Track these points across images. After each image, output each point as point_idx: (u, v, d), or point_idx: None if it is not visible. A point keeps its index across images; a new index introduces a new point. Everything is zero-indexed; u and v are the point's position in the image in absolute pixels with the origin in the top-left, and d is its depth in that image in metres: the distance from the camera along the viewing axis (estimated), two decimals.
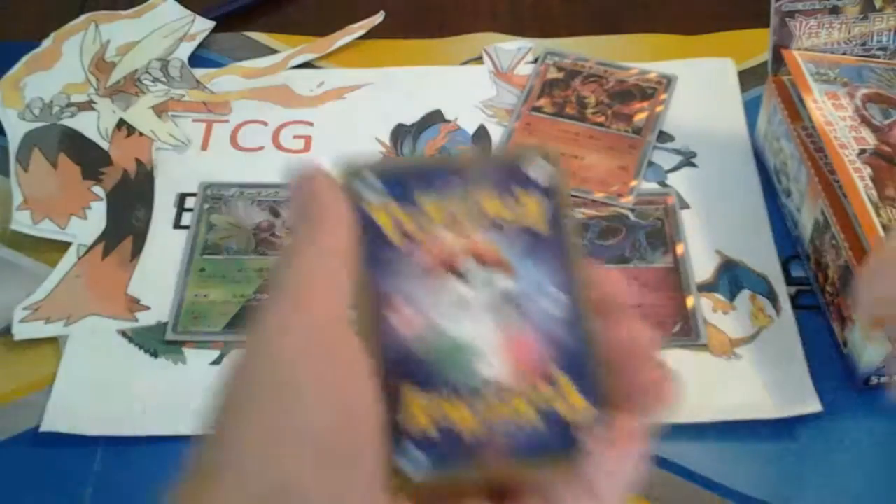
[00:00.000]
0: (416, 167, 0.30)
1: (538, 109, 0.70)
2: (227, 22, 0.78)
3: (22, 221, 0.63)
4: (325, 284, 0.27)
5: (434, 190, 0.30)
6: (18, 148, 0.68)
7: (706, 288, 0.59)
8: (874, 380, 0.53)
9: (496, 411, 0.28)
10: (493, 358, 0.29)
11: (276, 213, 0.64)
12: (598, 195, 0.64)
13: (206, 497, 0.24)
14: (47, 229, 0.63)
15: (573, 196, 0.64)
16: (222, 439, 0.25)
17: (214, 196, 0.65)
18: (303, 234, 0.28)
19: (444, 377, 0.28)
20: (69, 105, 0.71)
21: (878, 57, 0.63)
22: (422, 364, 0.28)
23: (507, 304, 0.29)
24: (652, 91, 0.71)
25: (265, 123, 0.70)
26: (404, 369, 0.28)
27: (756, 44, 0.73)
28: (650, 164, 0.66)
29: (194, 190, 0.66)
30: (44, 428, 0.53)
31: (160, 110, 0.71)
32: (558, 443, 0.28)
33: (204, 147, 0.69)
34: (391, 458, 0.27)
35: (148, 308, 0.59)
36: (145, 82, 0.72)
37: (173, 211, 0.65)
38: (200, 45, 0.76)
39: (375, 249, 0.29)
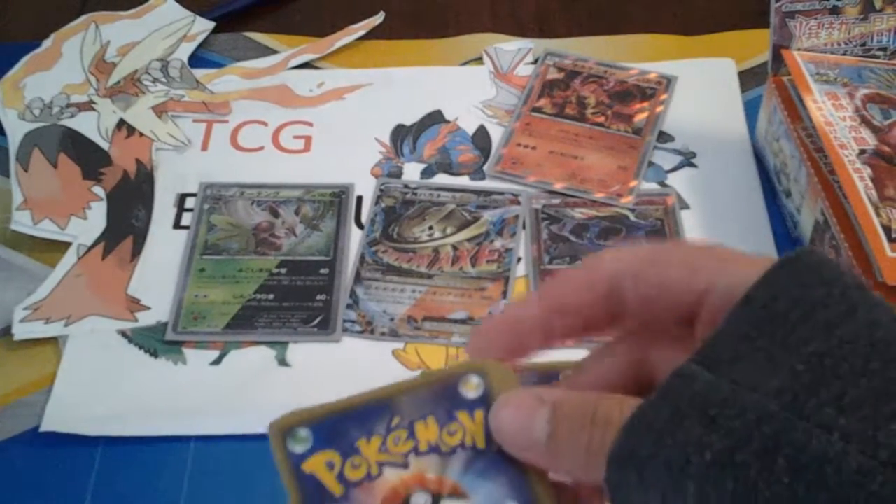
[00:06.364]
0: (347, 409, 0.29)
1: (538, 110, 0.70)
2: (227, 22, 0.78)
3: (22, 221, 0.63)
4: None
5: (369, 428, 0.29)
6: (18, 148, 0.68)
7: None
8: None
9: None
10: None
11: (275, 214, 0.64)
12: (598, 195, 0.64)
13: None
14: (47, 229, 0.63)
15: (572, 197, 0.64)
16: None
17: (214, 196, 0.65)
18: None
19: None
20: (69, 105, 0.71)
21: (878, 57, 0.63)
22: None
23: None
24: (652, 91, 0.71)
25: (265, 124, 0.70)
26: None
27: (756, 44, 0.73)
28: (650, 164, 0.66)
29: (194, 190, 0.66)
30: (44, 428, 0.53)
31: (160, 111, 0.71)
32: None
33: (204, 147, 0.69)
34: None
35: (148, 308, 0.59)
36: (145, 83, 0.72)
37: (173, 211, 0.65)
38: (200, 46, 0.76)
39: None
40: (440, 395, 0.29)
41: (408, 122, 0.70)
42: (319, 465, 0.28)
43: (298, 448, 0.28)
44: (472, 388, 0.29)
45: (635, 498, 0.24)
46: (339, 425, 0.29)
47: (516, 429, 0.28)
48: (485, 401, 0.29)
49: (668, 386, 0.24)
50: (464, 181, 0.66)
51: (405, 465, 0.28)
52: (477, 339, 0.31)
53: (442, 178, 0.66)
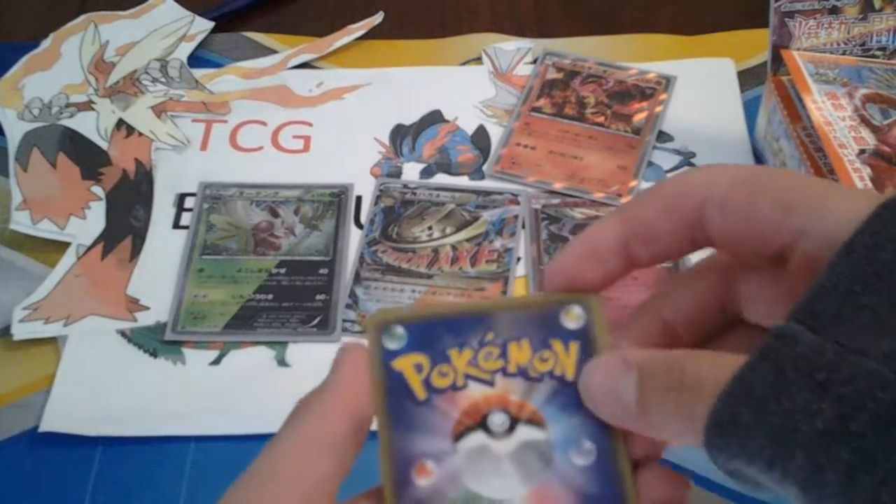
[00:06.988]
0: (445, 315, 0.29)
1: (537, 110, 0.70)
2: (226, 22, 0.78)
3: (21, 221, 0.63)
4: (291, 476, 0.26)
5: (462, 339, 0.28)
6: (18, 148, 0.68)
7: None
8: None
9: None
10: None
11: (274, 214, 0.64)
12: (598, 195, 0.64)
13: None
14: (46, 229, 0.63)
15: (572, 197, 0.64)
16: None
17: (213, 196, 0.65)
18: (298, 413, 0.27)
19: None
20: (68, 105, 0.71)
21: (878, 57, 0.63)
22: None
23: (536, 457, 0.28)
24: (651, 91, 0.71)
25: (264, 124, 0.70)
26: None
27: (756, 44, 0.73)
28: (650, 164, 0.66)
29: (193, 190, 0.66)
30: (43, 428, 0.53)
31: (159, 110, 0.71)
32: None
33: (203, 147, 0.69)
34: None
35: (147, 308, 0.59)
36: (144, 82, 0.72)
37: (172, 211, 0.65)
38: (199, 46, 0.76)
39: (401, 405, 0.28)
40: (539, 319, 0.29)
41: (407, 122, 0.70)
42: (408, 366, 0.28)
43: (392, 345, 0.28)
44: (572, 319, 0.29)
45: (738, 464, 0.23)
46: (434, 331, 0.29)
47: (605, 396, 0.27)
48: (582, 334, 0.29)
49: (767, 347, 0.23)
50: (463, 181, 0.66)
51: (491, 383, 0.28)
52: (557, 264, 0.29)
53: (441, 178, 0.66)
